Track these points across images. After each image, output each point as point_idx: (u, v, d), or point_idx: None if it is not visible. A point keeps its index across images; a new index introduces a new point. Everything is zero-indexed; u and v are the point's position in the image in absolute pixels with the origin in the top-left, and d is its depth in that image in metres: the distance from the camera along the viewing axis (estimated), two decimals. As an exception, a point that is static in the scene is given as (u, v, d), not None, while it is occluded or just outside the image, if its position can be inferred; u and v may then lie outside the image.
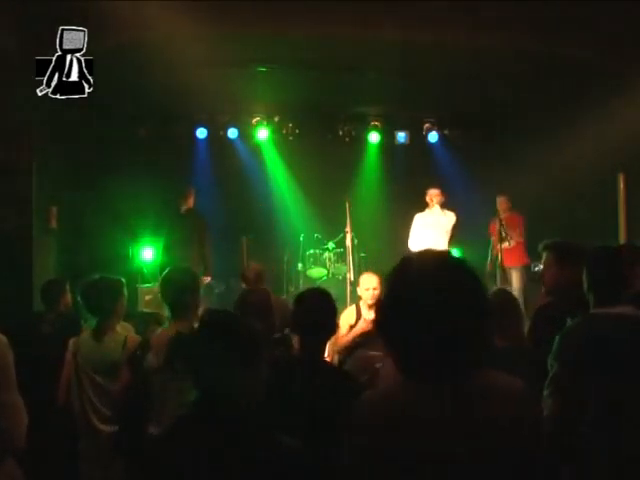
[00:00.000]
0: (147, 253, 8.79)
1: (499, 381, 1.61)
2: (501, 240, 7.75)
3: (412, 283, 1.58)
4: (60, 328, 4.32)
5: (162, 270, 7.05)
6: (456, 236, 8.07)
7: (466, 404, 1.52)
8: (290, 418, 2.78)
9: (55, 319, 4.55)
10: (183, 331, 3.04)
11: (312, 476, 1.94)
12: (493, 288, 5.22)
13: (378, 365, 3.74)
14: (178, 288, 3.33)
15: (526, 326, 3.70)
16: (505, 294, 3.85)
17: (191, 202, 7.96)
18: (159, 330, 3.40)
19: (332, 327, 3.04)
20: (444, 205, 8.02)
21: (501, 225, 7.72)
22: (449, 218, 8.01)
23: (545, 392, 2.57)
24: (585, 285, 2.77)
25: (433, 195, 7.96)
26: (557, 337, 2.64)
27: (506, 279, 8.02)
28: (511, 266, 8.16)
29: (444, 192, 8.04)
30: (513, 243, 8.06)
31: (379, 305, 1.66)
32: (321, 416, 2.76)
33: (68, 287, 4.86)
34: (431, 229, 7.99)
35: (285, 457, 1.84)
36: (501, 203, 8.37)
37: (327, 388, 2.83)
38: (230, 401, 1.86)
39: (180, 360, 1.92)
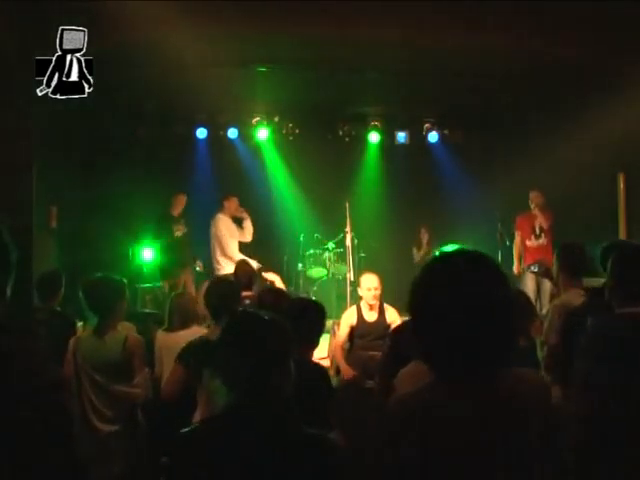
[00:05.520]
0: (147, 253, 8.79)
1: (524, 377, 1.66)
2: (536, 237, 7.68)
3: (444, 284, 1.61)
4: (54, 327, 4.23)
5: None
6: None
7: (497, 403, 1.56)
8: None
9: (49, 319, 4.41)
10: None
11: (355, 471, 1.95)
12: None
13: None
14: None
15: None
16: (521, 295, 4.10)
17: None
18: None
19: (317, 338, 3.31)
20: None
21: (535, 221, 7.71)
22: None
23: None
24: (610, 283, 2.71)
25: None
26: (587, 335, 2.64)
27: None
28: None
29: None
30: (544, 240, 7.83)
31: (411, 308, 1.67)
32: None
33: (63, 281, 4.81)
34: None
35: (327, 453, 1.83)
36: (536, 197, 7.89)
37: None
38: (263, 401, 1.84)
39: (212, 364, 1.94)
